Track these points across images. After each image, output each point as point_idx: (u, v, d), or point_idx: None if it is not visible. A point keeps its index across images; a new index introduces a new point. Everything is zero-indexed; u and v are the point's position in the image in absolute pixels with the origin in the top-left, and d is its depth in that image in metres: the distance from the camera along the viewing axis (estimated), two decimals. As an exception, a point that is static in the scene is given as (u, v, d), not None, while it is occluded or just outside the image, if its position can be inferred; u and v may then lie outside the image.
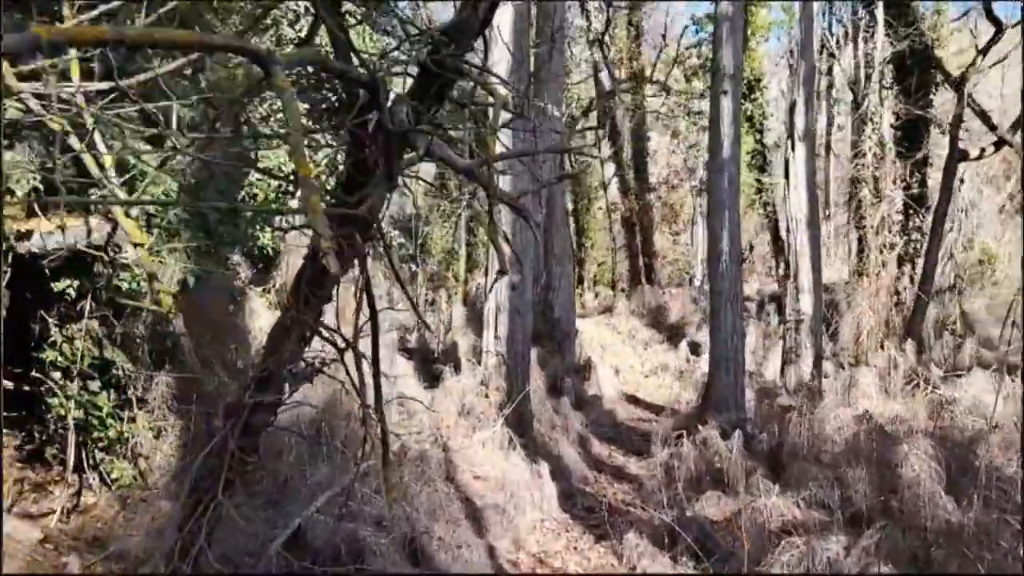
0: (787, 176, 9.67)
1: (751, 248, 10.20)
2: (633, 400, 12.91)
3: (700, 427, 8.28)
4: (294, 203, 7.35)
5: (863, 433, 7.02)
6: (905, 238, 12.42)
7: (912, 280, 12.20)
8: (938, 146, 13.60)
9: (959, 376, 9.02)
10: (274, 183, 7.61)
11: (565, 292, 12.59)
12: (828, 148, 17.64)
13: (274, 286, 8.82)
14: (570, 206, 26.17)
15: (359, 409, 2.45)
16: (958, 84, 11.67)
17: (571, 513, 7.00)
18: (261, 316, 8.43)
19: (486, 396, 7.92)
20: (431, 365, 10.93)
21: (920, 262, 11.95)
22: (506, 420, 7.45)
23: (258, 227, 7.63)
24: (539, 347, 12.45)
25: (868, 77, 13.64)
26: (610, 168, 16.95)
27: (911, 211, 12.54)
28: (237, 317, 8.30)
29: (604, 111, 16.66)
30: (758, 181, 15.27)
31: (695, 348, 14.54)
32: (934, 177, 13.24)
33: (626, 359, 14.85)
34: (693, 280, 21.64)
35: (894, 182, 12.00)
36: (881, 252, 11.98)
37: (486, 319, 8.14)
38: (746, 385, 10.21)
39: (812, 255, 9.59)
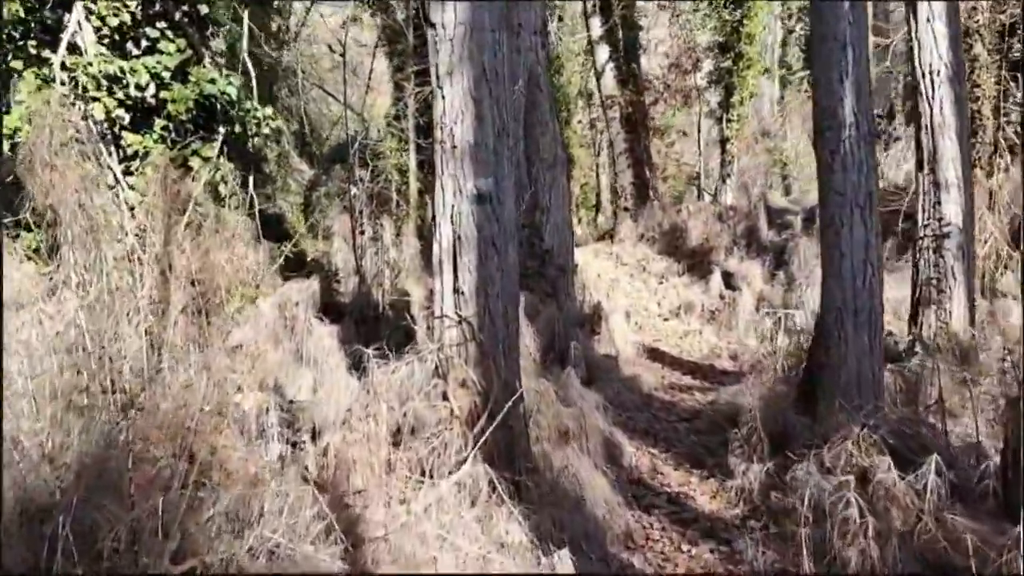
0: (913, 10, 6.02)
1: (890, 113, 6.71)
2: (656, 355, 9.50)
3: (810, 422, 4.87)
4: None
5: None
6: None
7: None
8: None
9: None
10: None
11: (558, 211, 8.98)
12: None
13: None
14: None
15: None
16: None
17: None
18: None
19: (444, 399, 4.40)
20: (371, 332, 7.40)
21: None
22: (482, 449, 3.98)
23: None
24: (526, 291, 8.96)
25: None
26: (603, 52, 13.09)
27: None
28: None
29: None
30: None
31: (729, 280, 11.08)
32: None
33: (639, 299, 11.39)
34: (703, 195, 18.05)
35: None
36: (995, 149, 8.42)
37: (437, 260, 4.55)
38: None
39: (959, 128, 6.07)
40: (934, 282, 5.98)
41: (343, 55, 9.99)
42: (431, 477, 3.92)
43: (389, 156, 11.26)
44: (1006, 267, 8.02)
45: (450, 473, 3.92)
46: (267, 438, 4.44)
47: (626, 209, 13.13)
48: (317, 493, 3.34)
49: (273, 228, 10.09)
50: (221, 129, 6.93)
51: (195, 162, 6.70)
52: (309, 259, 10.21)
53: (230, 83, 7.05)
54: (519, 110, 8.97)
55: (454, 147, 4.50)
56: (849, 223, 4.81)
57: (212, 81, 6.84)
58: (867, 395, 4.76)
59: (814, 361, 5.19)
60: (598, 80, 13.45)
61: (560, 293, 8.92)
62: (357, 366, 5.37)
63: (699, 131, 18.35)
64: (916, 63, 6.10)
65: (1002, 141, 8.31)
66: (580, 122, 22.87)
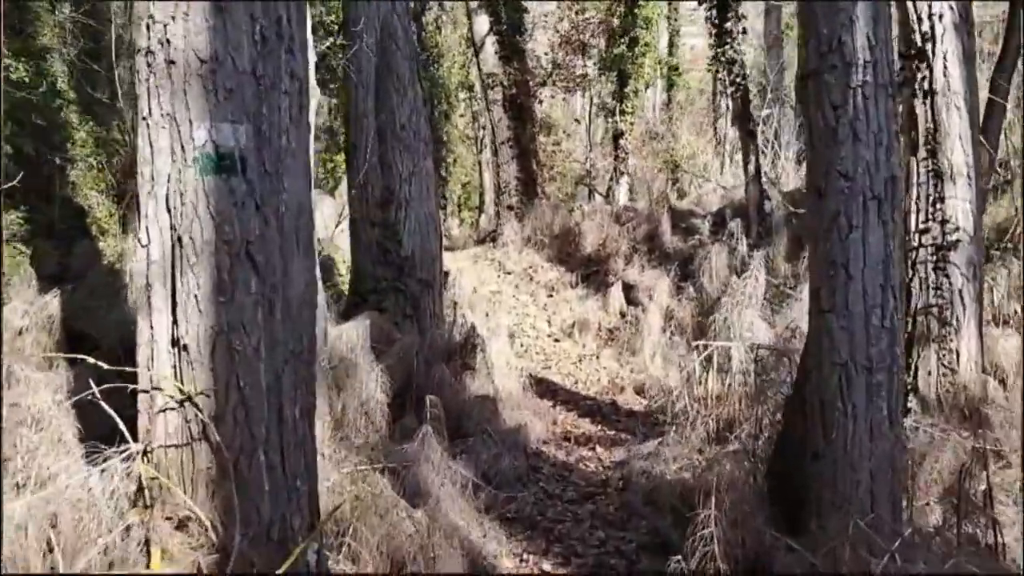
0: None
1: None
2: (546, 389, 7.55)
3: (795, 544, 3.00)
4: None
5: None
6: None
7: None
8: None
9: None
10: None
11: (422, 205, 6.85)
12: None
13: None
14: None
15: None
16: None
17: None
18: None
19: (146, 550, 2.18)
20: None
21: None
22: None
23: None
24: (377, 308, 6.78)
25: None
26: (482, 23, 11.07)
27: None
28: None
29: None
30: None
31: (630, 293, 9.33)
32: None
33: (525, 315, 9.44)
34: (594, 195, 16.44)
35: None
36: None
37: (140, 283, 2.32)
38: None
39: (968, 96, 4.39)
40: (935, 311, 4.31)
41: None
42: None
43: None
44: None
45: None
46: None
47: (510, 208, 11.16)
48: None
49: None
50: None
51: None
52: None
53: None
54: (368, 78, 6.80)
55: (170, 62, 2.30)
56: (861, 224, 2.97)
57: None
58: (885, 506, 2.94)
59: (792, 441, 3.32)
60: (476, 55, 11.42)
61: (423, 314, 6.82)
62: None
63: (589, 124, 16.75)
64: (910, 5, 4.42)
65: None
66: (462, 116, 20.87)
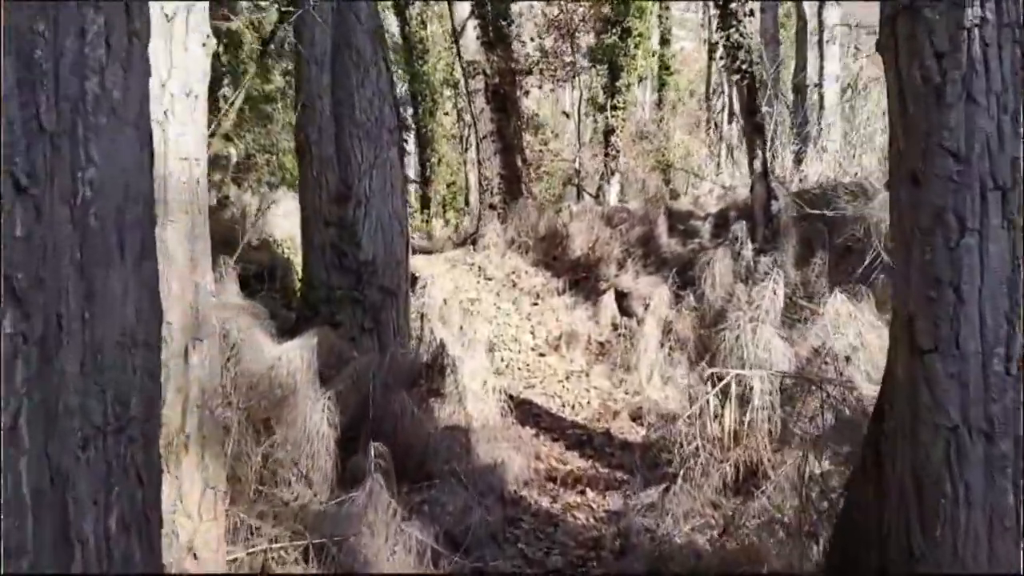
0: None
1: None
2: (529, 414, 6.61)
3: None
4: None
5: None
6: None
7: None
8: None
9: None
10: None
11: (384, 202, 5.87)
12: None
13: None
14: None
15: None
16: None
17: None
18: None
19: None
20: None
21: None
22: None
23: None
24: (330, 322, 5.81)
25: None
26: (464, 6, 10.10)
27: None
28: None
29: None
30: None
31: (624, 302, 8.40)
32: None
33: (507, 326, 8.49)
34: (583, 195, 15.54)
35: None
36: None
37: None
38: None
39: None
40: None
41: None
42: None
43: None
44: None
45: None
46: None
47: (492, 207, 10.19)
48: None
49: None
50: None
51: None
52: None
53: None
54: (323, 54, 5.83)
55: None
56: (978, 224, 2.05)
57: None
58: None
59: (865, 527, 2.38)
60: (456, 42, 10.45)
61: (385, 328, 5.87)
62: None
63: (578, 120, 15.83)
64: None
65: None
66: (447, 114, 19.91)
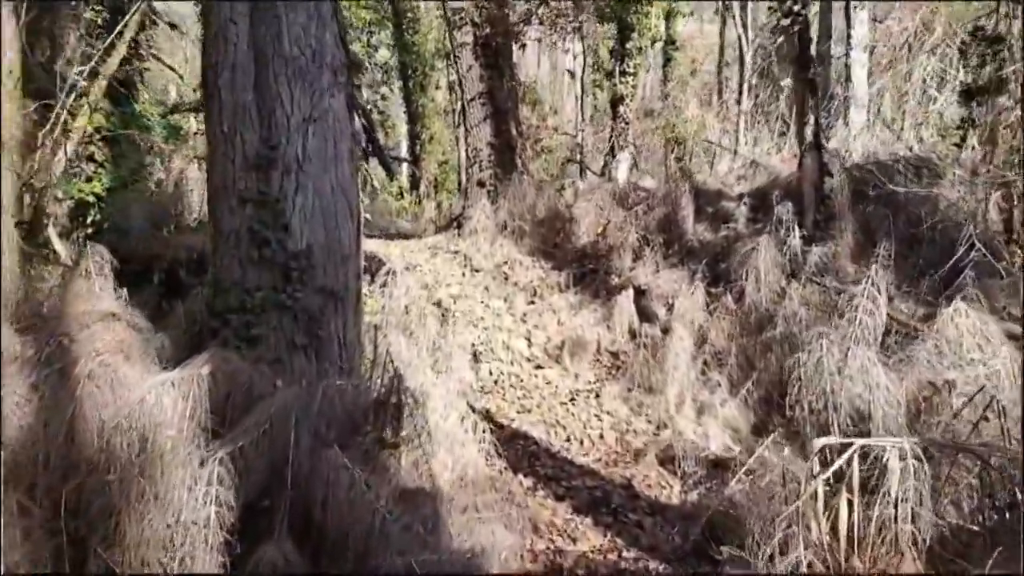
0: None
1: None
2: (521, 454, 5.00)
3: None
4: None
5: None
6: None
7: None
8: None
9: None
10: None
11: (324, 172, 4.19)
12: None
13: None
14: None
15: None
16: None
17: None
18: None
19: None
20: None
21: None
22: None
23: None
24: (245, 338, 4.17)
25: None
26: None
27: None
28: None
29: None
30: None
31: (642, 302, 6.76)
32: None
33: (497, 329, 6.84)
34: (585, 174, 13.86)
35: None
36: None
37: None
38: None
39: None
40: None
41: None
42: None
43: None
44: None
45: None
46: None
47: (481, 184, 8.51)
48: None
49: None
50: None
51: None
52: None
53: None
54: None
55: None
56: None
57: None
58: None
59: None
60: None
61: (326, 346, 4.23)
62: None
63: (581, 88, 14.09)
64: None
65: None
66: (439, 88, 18.34)
